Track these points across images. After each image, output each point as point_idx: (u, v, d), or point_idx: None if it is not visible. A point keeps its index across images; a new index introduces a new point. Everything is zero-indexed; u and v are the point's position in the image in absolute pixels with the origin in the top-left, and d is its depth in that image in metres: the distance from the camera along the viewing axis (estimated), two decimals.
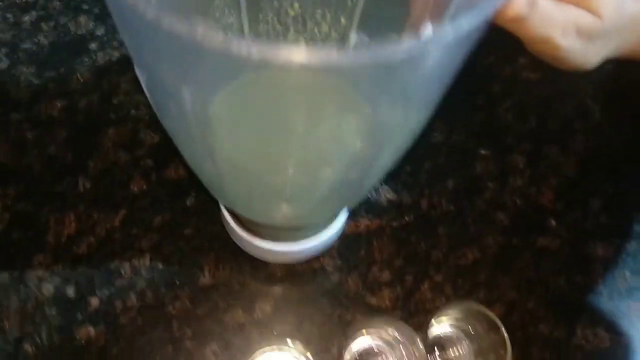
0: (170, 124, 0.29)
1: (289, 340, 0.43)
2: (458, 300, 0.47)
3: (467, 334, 0.47)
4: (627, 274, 0.56)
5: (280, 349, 0.45)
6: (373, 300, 0.52)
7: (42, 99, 0.58)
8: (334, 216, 0.38)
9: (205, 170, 0.29)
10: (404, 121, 0.26)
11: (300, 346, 0.43)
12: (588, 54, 0.34)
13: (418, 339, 0.43)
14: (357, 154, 0.26)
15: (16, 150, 0.55)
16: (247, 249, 0.49)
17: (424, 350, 0.42)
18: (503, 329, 0.43)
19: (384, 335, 0.46)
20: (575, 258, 0.56)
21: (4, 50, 0.60)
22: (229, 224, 0.46)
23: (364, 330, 0.46)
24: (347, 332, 0.43)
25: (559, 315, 0.53)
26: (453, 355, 0.48)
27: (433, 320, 0.44)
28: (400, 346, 0.45)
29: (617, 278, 0.55)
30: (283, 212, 0.32)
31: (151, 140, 0.57)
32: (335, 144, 0.25)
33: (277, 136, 0.24)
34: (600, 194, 0.59)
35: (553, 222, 0.57)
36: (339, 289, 0.52)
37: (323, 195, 0.30)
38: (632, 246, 0.57)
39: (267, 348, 0.45)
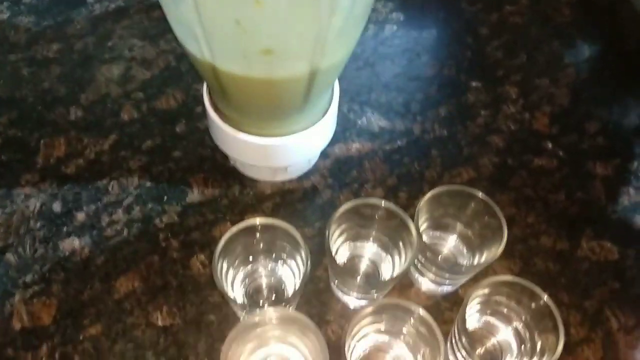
0: None
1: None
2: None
3: (459, 219, 0.45)
4: (631, 191, 0.54)
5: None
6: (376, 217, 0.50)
7: (40, 42, 0.60)
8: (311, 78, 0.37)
9: None
10: None
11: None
12: None
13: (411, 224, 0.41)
14: None
15: (11, 85, 0.56)
16: (233, 153, 0.48)
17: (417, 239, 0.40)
18: (496, 207, 0.42)
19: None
20: (575, 176, 0.54)
21: (6, 4, 0.63)
22: (214, 122, 0.45)
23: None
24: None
25: (561, 229, 0.51)
26: (449, 245, 0.46)
27: (421, 207, 0.42)
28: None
29: (621, 195, 0.53)
30: (261, 29, 0.31)
31: (143, 76, 0.58)
32: None
33: None
34: (595, 119, 0.58)
35: (549, 144, 0.56)
36: (330, 204, 0.51)
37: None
38: (633, 165, 0.55)
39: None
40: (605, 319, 0.46)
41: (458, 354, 0.40)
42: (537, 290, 0.37)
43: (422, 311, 0.35)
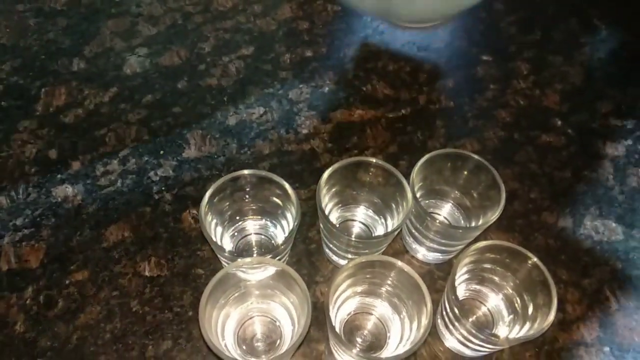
0: None
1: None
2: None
3: (455, 185, 0.44)
4: None
5: None
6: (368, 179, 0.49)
7: None
8: None
9: None
10: None
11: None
12: None
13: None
14: None
15: (16, 34, 0.56)
16: None
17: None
18: (493, 169, 0.40)
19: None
20: (583, 155, 0.52)
21: None
22: None
23: None
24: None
25: (565, 206, 0.49)
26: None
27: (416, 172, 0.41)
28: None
29: (630, 176, 0.52)
30: None
31: (148, 32, 0.58)
32: None
33: None
34: (607, 98, 0.56)
35: (559, 122, 0.54)
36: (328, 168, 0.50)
37: None
38: None
39: None
40: (605, 298, 0.44)
41: (449, 324, 0.39)
42: (527, 253, 0.36)
43: (401, 264, 0.34)
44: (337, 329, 0.39)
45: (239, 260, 0.35)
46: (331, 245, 0.43)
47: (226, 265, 0.41)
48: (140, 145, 0.50)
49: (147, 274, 0.43)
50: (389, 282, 0.36)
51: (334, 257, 0.44)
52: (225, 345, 0.37)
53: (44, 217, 0.45)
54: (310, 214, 0.47)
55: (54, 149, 0.49)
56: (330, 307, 0.35)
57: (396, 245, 0.46)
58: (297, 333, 0.34)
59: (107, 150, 0.49)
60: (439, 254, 0.43)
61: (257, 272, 0.37)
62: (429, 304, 0.33)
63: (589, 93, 0.57)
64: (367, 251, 0.41)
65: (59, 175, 0.48)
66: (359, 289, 0.37)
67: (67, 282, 0.42)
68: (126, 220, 0.45)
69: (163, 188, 0.47)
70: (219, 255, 0.41)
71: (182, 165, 0.49)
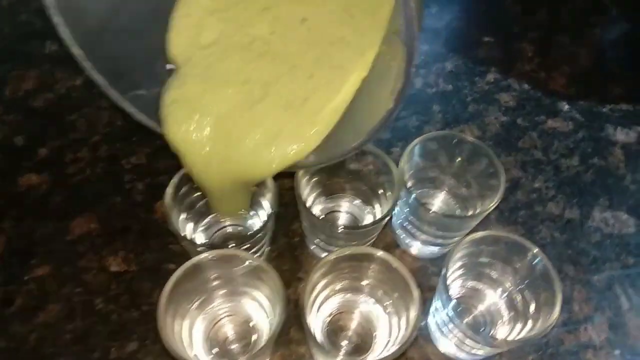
0: None
1: None
2: None
3: (449, 172, 0.40)
4: None
5: None
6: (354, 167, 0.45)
7: None
8: None
9: None
10: None
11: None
12: None
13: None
14: None
15: None
16: None
17: None
18: (491, 152, 0.36)
19: None
20: (592, 141, 0.48)
21: None
22: None
23: None
24: None
25: (572, 196, 0.45)
26: None
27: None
28: None
29: None
30: None
31: None
32: None
33: None
34: (618, 82, 0.52)
35: (566, 106, 0.50)
36: None
37: None
38: None
39: None
40: (615, 297, 0.41)
41: (442, 326, 0.35)
42: (527, 244, 0.32)
43: (381, 253, 0.30)
44: (320, 330, 0.36)
45: (198, 255, 0.31)
46: (314, 239, 0.39)
47: None
48: (113, 131, 0.46)
49: (113, 269, 0.40)
50: (369, 274, 0.32)
51: (318, 251, 0.40)
52: (196, 356, 0.33)
53: (7, 208, 0.42)
54: (294, 204, 0.43)
55: (21, 135, 0.46)
56: (308, 310, 0.31)
57: (387, 239, 0.42)
58: (272, 328, 0.30)
59: (77, 136, 0.46)
60: (435, 247, 0.40)
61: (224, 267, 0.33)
62: (416, 295, 0.30)
63: (599, 76, 0.53)
64: (354, 244, 0.38)
65: (24, 163, 0.44)
66: (339, 285, 0.34)
67: (26, 277, 0.39)
68: (94, 211, 0.42)
69: (135, 177, 0.44)
70: (189, 251, 0.37)
71: (156, 153, 0.45)
